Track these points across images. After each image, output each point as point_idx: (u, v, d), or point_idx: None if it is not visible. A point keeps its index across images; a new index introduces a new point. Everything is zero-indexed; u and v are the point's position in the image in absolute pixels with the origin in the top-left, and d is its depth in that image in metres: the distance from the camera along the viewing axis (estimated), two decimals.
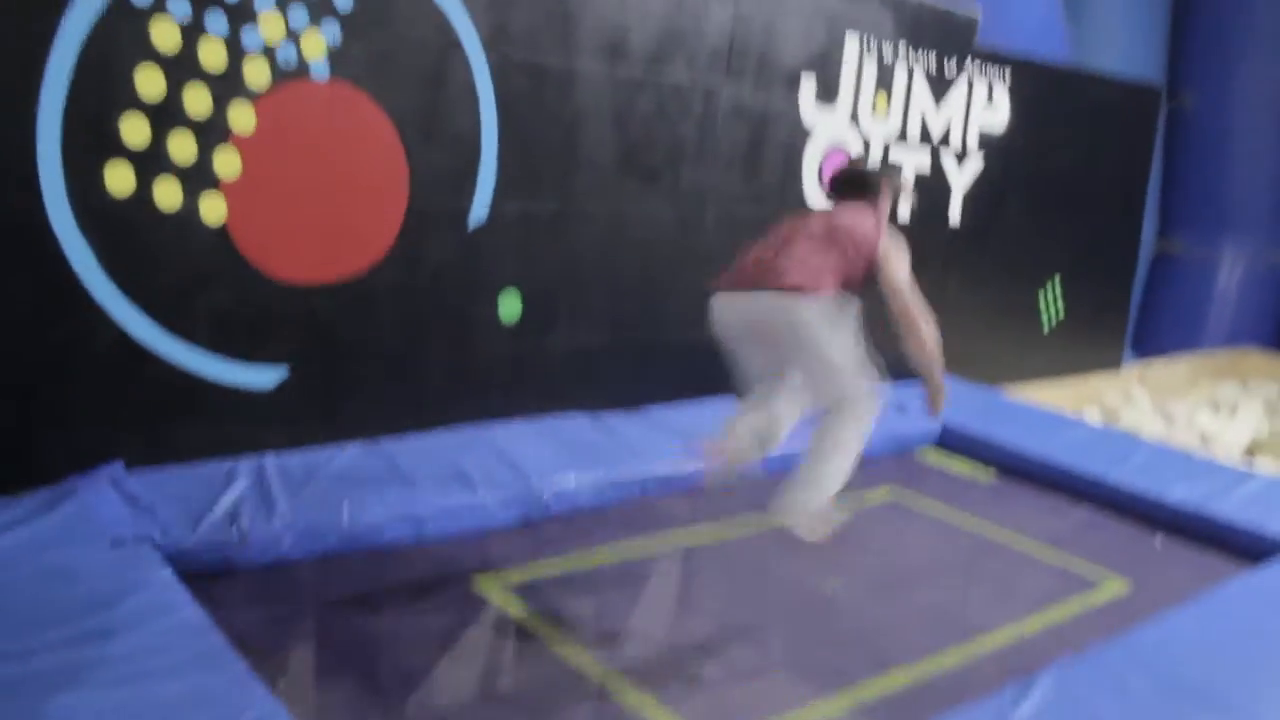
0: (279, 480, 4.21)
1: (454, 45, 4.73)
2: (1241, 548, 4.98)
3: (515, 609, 3.73)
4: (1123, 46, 10.91)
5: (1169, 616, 3.85)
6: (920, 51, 6.78)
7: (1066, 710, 3.07)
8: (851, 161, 4.03)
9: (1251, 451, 8.49)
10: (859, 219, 3.90)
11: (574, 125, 5.23)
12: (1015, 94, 7.53)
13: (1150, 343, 12.05)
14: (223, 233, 4.25)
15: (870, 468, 5.70)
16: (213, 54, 4.09)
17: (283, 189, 4.37)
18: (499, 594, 3.82)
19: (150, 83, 3.96)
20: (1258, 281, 11.85)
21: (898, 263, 3.83)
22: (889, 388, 6.78)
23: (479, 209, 4.97)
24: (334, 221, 4.54)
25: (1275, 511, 5.16)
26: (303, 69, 4.32)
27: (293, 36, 4.27)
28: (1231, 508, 5.19)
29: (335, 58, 4.40)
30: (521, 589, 3.88)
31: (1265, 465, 7.86)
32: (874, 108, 6.61)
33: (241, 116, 4.20)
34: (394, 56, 4.57)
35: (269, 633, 3.43)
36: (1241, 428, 8.60)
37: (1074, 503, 5.53)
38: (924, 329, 3.82)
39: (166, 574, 3.33)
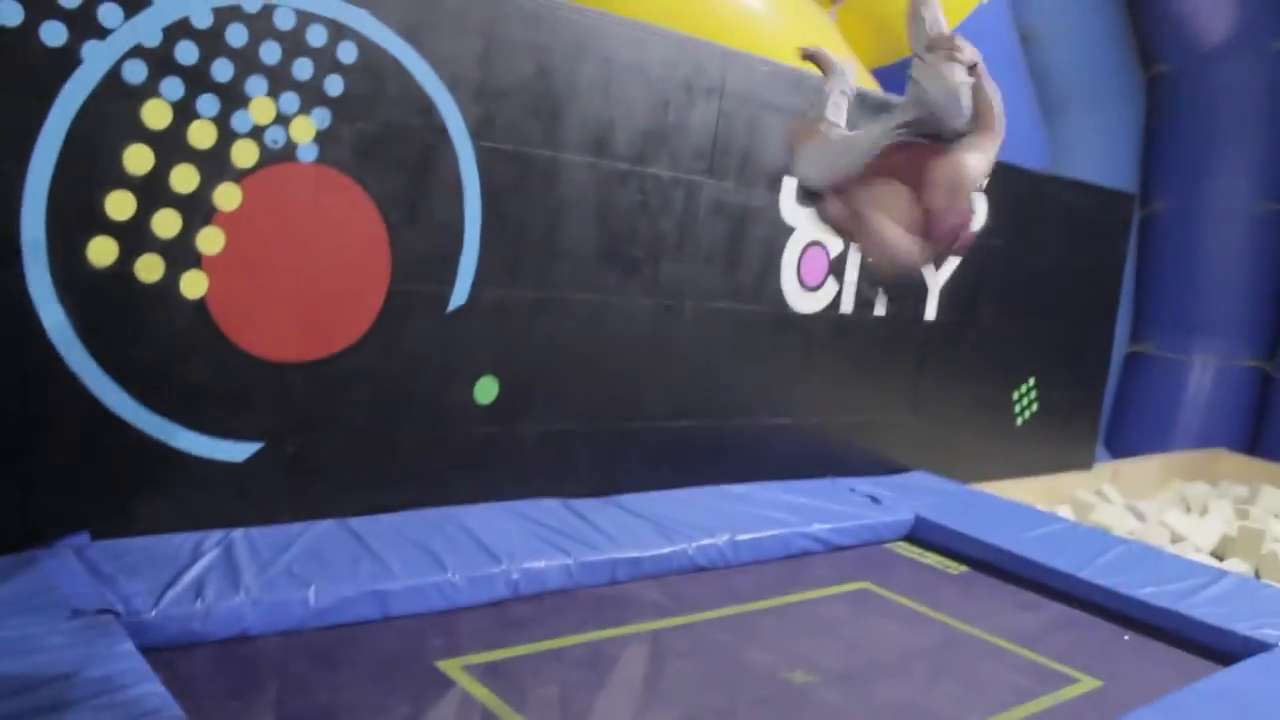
0: (246, 555, 4.19)
1: (441, 133, 4.83)
2: (1211, 648, 5.00)
3: (478, 690, 3.70)
4: (1098, 155, 11.20)
5: (1139, 714, 3.86)
6: None
7: None
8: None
9: (1220, 552, 8.52)
10: None
11: (557, 215, 5.32)
12: (994, 197, 7.69)
13: (1122, 442, 12.14)
14: (202, 307, 4.29)
15: (842, 558, 5.74)
16: (202, 134, 4.17)
17: (264, 266, 4.43)
18: (462, 675, 3.79)
19: (138, 160, 4.03)
20: (1228, 383, 12.00)
21: None
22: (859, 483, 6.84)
23: (459, 294, 5.03)
24: (314, 300, 4.59)
25: (1243, 612, 5.19)
26: (290, 151, 4.41)
27: (282, 120, 4.36)
28: (1201, 607, 5.22)
29: (323, 141, 4.49)
30: (486, 670, 3.86)
31: (1234, 565, 7.88)
32: None
33: (227, 195, 4.27)
34: (381, 142, 4.66)
35: (229, 707, 3.40)
36: (1211, 527, 8.64)
37: (1045, 598, 5.55)
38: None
39: (127, 646, 3.31)
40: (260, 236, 4.39)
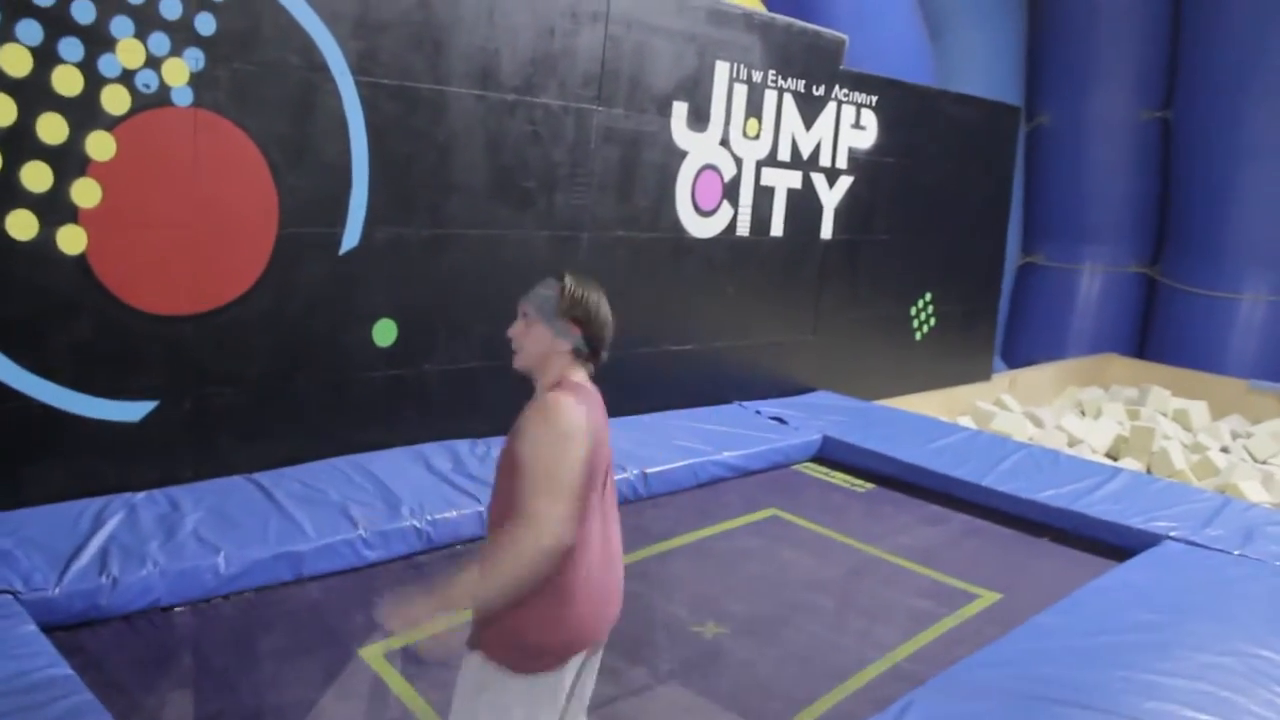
0: (150, 519, 4.06)
1: (322, 70, 4.66)
2: (1109, 544, 5.18)
3: (394, 680, 3.51)
4: (984, 70, 11.33)
5: (1037, 621, 3.97)
6: (789, 76, 6.91)
7: None
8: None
9: (1114, 452, 8.83)
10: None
11: (446, 150, 5.20)
12: (882, 115, 7.72)
13: (1018, 351, 12.47)
14: (83, 263, 4.10)
15: (752, 483, 5.79)
16: (67, 81, 3.96)
17: (145, 218, 4.24)
18: (378, 661, 3.60)
19: (0, 111, 3.82)
20: (1115, 290, 12.37)
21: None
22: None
23: (350, 236, 4.90)
24: (201, 250, 4.42)
25: (1137, 507, 5.38)
26: (164, 95, 4.21)
27: (153, 62, 4.16)
28: (1098, 505, 5.40)
29: (198, 83, 4.30)
30: (402, 654, 3.66)
31: (1128, 464, 8.18)
32: (745, 131, 6.71)
33: (100, 144, 4.07)
34: (260, 82, 4.48)
35: (142, 684, 3.29)
36: (1105, 429, 8.94)
37: (950, 510, 5.68)
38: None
39: (30, 627, 3.18)
40: (139, 186, 4.20)
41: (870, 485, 6.02)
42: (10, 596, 3.35)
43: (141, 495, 4.28)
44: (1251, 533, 5.10)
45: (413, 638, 3.22)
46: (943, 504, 5.75)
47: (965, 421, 8.84)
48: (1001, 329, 12.34)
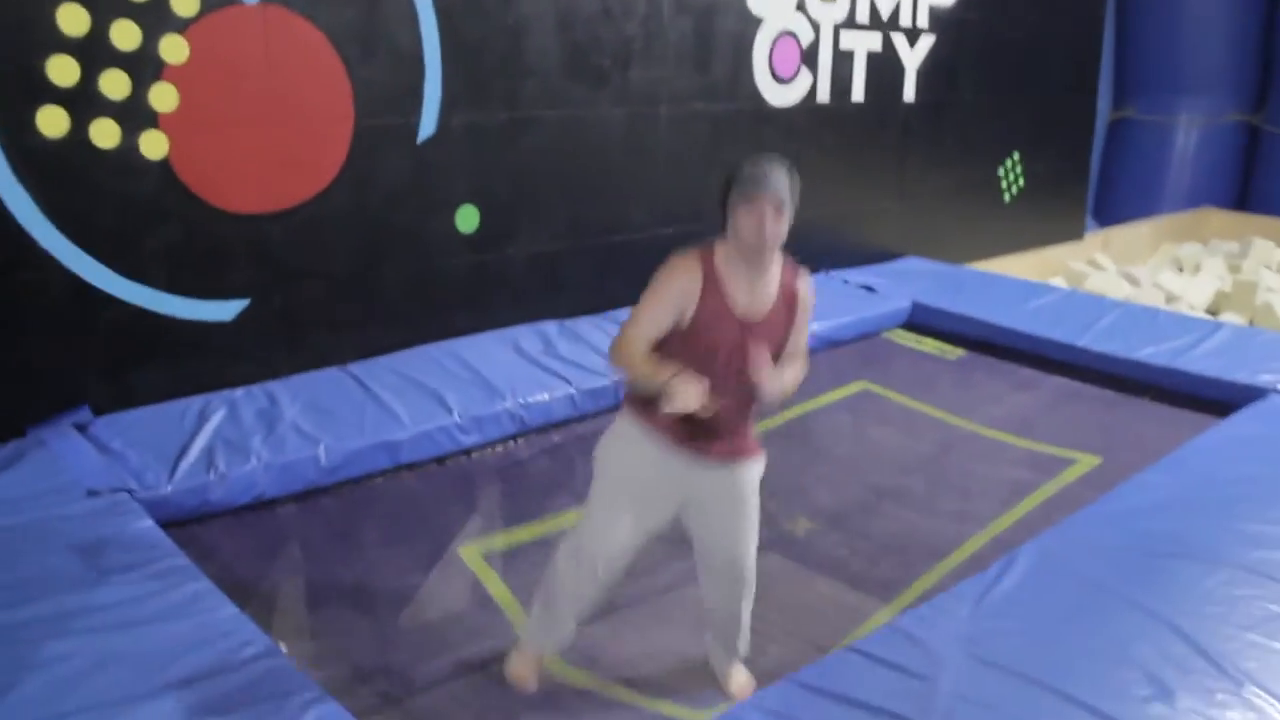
0: (251, 415, 4.17)
1: None
2: (1212, 400, 5.05)
3: (492, 581, 3.60)
4: None
5: (1140, 479, 3.90)
6: None
7: (1048, 575, 3.12)
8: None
9: (1215, 308, 8.58)
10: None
11: (517, 32, 5.11)
12: None
13: (1112, 210, 12.07)
14: (166, 168, 4.14)
15: (841, 354, 5.74)
16: None
17: (223, 119, 4.26)
18: (477, 562, 3.70)
19: (72, 20, 3.82)
20: (1213, 142, 11.85)
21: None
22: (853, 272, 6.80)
23: (427, 124, 4.87)
24: (279, 148, 4.44)
25: (1240, 361, 5.23)
26: None
27: None
28: (1199, 361, 5.26)
29: None
30: (501, 556, 3.77)
31: (1229, 319, 7.94)
32: None
33: (173, 48, 4.07)
34: None
35: (253, 574, 3.42)
36: (1204, 285, 8.67)
37: (1044, 373, 5.58)
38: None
39: (147, 523, 3.30)
40: (215, 88, 4.21)
41: (961, 351, 5.93)
42: (127, 494, 3.49)
43: (240, 391, 4.39)
44: None
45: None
46: (1037, 368, 5.65)
47: (1058, 283, 8.64)
48: (1094, 187, 11.94)
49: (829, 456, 4.65)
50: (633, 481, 2.84)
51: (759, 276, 2.74)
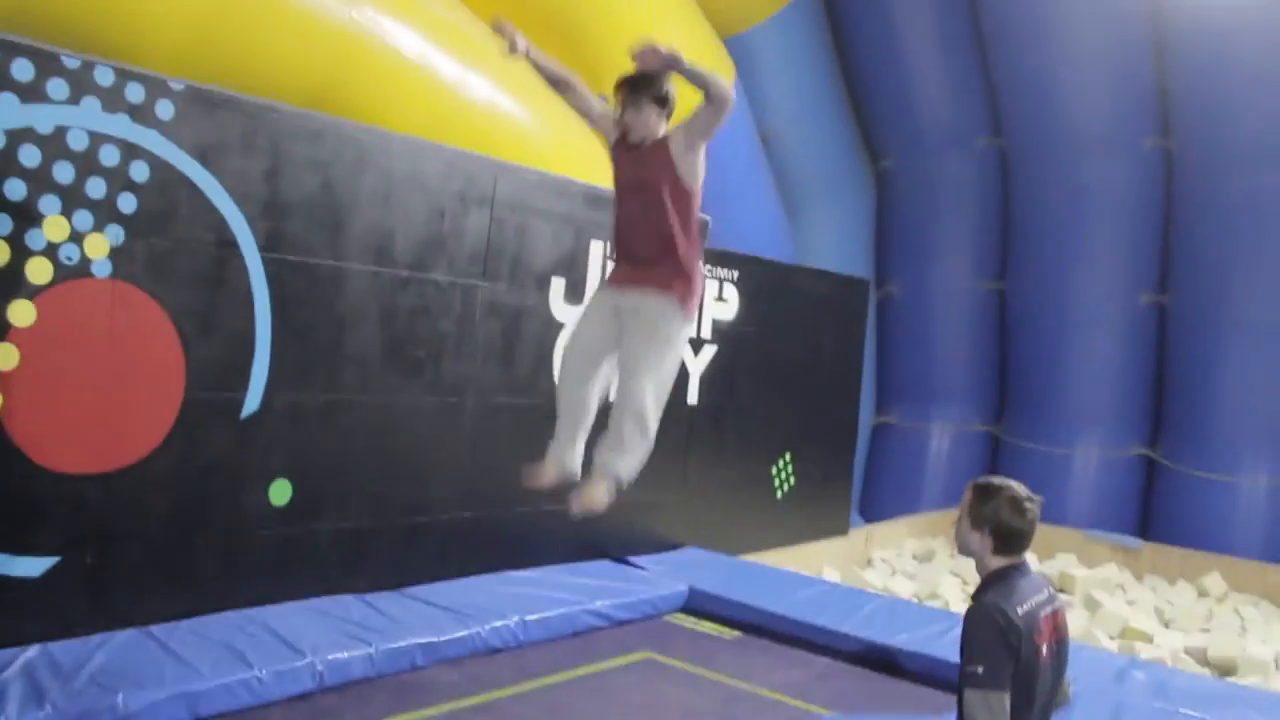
0: (48, 670, 4.22)
1: (231, 246, 5.05)
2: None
3: None
4: (836, 244, 12.33)
5: None
6: None
7: None
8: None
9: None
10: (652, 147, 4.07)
11: (343, 322, 5.60)
12: (743, 288, 8.40)
13: (877, 507, 13.12)
14: None
15: (625, 631, 6.14)
16: None
17: (60, 381, 4.52)
18: None
19: None
20: (964, 447, 13.19)
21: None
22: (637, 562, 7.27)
23: (251, 401, 5.21)
24: (110, 412, 4.70)
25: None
26: (85, 267, 4.55)
27: (76, 236, 4.50)
28: (947, 648, 5.87)
29: (117, 256, 4.64)
30: None
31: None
32: None
33: (21, 312, 4.37)
34: (174, 256, 4.85)
35: None
36: (952, 581, 9.52)
37: (813, 654, 6.11)
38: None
39: None
40: (56, 352, 4.49)
41: (737, 633, 6.42)
42: None
43: (36, 648, 4.42)
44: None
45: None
46: (806, 650, 6.17)
47: (829, 574, 9.31)
48: (859, 486, 12.99)
49: (619, 702, 4.98)
50: (591, 306, 4.20)
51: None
